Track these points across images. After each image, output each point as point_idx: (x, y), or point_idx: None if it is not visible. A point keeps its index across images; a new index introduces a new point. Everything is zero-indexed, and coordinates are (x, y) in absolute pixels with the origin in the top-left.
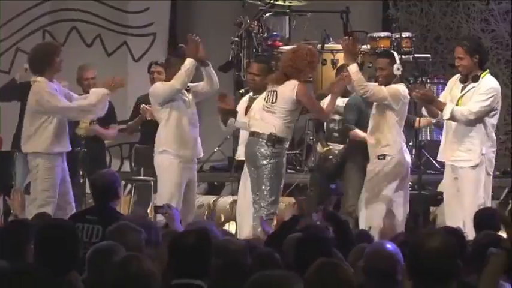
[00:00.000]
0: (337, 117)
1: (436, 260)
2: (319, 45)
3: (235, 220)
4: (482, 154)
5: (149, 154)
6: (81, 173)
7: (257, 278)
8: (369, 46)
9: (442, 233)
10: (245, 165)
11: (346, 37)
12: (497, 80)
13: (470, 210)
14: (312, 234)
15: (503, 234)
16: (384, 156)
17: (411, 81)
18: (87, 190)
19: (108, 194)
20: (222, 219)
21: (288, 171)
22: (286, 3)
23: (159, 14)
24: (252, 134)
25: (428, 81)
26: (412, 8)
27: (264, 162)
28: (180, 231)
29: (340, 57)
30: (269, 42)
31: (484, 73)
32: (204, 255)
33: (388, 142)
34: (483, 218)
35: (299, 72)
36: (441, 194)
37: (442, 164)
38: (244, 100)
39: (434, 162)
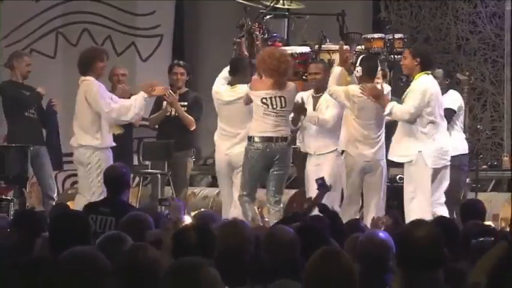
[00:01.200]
0: None
1: (423, 248)
2: (316, 46)
3: None
4: (419, 151)
5: (156, 148)
6: None
7: (174, 264)
8: (363, 47)
9: (429, 223)
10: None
11: (343, 42)
12: (484, 79)
13: (407, 203)
14: (310, 224)
15: (488, 223)
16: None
17: (403, 80)
18: None
19: (119, 185)
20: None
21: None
22: (286, 6)
23: (166, 17)
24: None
25: None
26: (403, 11)
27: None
28: (183, 225)
29: (337, 58)
30: (269, 43)
31: (419, 74)
32: (207, 247)
33: (343, 137)
34: (469, 208)
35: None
36: None
37: None
38: (310, 101)
39: None
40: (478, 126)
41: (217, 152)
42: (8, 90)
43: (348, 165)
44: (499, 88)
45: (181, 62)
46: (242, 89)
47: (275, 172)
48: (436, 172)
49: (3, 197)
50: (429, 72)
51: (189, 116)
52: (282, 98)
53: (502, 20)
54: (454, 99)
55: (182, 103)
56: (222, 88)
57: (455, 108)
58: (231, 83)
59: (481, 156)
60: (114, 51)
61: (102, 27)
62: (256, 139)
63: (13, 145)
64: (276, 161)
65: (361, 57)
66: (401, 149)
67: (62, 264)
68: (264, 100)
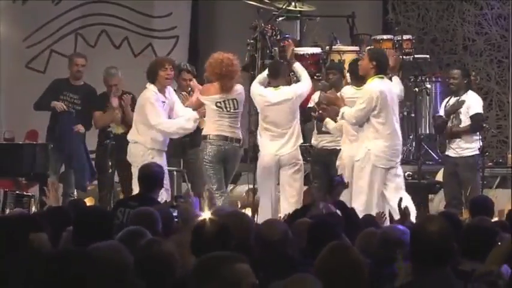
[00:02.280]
0: None
1: (435, 242)
2: (327, 47)
3: (250, 206)
4: (368, 150)
5: (171, 147)
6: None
7: (204, 258)
8: (372, 47)
9: (441, 218)
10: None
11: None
12: (490, 79)
13: (354, 198)
14: (323, 220)
15: (496, 219)
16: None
17: (411, 80)
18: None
19: (152, 184)
20: (239, 205)
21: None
22: (297, 9)
23: (181, 19)
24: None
25: (427, 79)
26: (410, 13)
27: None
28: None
29: (347, 58)
30: (281, 44)
31: (372, 78)
32: (224, 239)
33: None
34: (478, 205)
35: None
36: (439, 182)
37: (440, 156)
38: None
39: (432, 153)
40: (484, 125)
41: (264, 152)
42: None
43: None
44: (504, 88)
45: (189, 67)
46: (285, 90)
47: (226, 170)
48: (385, 171)
49: (25, 193)
50: (383, 76)
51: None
52: (234, 101)
53: (507, 21)
54: (479, 103)
55: None
56: (265, 91)
57: (482, 111)
58: (273, 85)
59: (487, 153)
60: (131, 52)
61: (120, 29)
62: (213, 137)
63: (34, 143)
64: (229, 159)
65: (349, 63)
66: (356, 147)
67: (90, 258)
68: (219, 104)
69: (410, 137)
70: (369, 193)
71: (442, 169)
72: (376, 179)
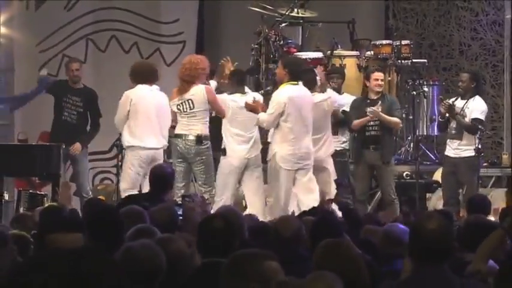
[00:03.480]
0: None
1: (433, 240)
2: (328, 52)
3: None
4: (275, 152)
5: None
6: None
7: (234, 256)
8: (372, 52)
9: (439, 216)
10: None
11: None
12: (485, 82)
13: (268, 196)
14: (325, 219)
15: (491, 218)
16: None
17: (409, 83)
18: None
19: (163, 184)
20: (244, 204)
21: None
22: (300, 15)
23: (188, 24)
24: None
25: (425, 82)
26: (409, 19)
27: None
28: (208, 215)
29: (348, 62)
30: (284, 49)
31: (284, 84)
32: (229, 236)
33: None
34: (475, 203)
35: (196, 78)
36: (436, 182)
37: (437, 156)
38: None
39: (430, 154)
40: (480, 127)
41: (234, 154)
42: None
43: None
44: (499, 91)
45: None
46: (252, 95)
47: (192, 167)
48: (293, 173)
49: (38, 192)
50: (296, 82)
51: None
52: (190, 101)
53: (502, 27)
54: (483, 110)
55: None
56: (234, 96)
57: (483, 118)
58: (241, 92)
59: (482, 154)
60: (140, 57)
61: (129, 34)
62: (173, 137)
63: (47, 144)
64: (186, 155)
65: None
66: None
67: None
68: (178, 106)
69: (409, 138)
70: (278, 192)
71: (440, 169)
72: (283, 180)
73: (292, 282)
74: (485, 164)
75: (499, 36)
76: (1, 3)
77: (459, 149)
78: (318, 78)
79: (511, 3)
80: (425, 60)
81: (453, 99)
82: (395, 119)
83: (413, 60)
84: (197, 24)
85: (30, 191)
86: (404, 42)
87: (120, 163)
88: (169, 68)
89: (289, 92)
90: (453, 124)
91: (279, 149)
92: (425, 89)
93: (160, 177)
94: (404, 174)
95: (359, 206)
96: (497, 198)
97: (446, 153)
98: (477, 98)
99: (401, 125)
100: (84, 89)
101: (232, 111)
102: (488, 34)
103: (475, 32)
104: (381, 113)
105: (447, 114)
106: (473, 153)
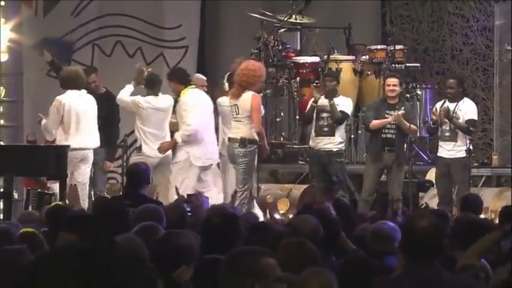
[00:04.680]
0: (325, 114)
1: (424, 237)
2: (325, 56)
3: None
4: (187, 152)
5: None
6: None
7: (233, 252)
8: (367, 57)
9: (430, 214)
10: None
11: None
12: (476, 85)
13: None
14: (322, 218)
15: (482, 216)
16: None
17: (403, 86)
18: None
19: (141, 181)
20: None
21: (299, 162)
22: (298, 21)
23: (190, 30)
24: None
25: (418, 86)
26: (405, 25)
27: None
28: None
29: (344, 67)
30: (283, 54)
31: (184, 91)
32: (229, 233)
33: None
34: (469, 202)
35: (252, 85)
36: (429, 181)
37: (430, 157)
38: None
39: (423, 155)
40: (470, 128)
41: (148, 153)
42: None
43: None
44: (489, 94)
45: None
46: (164, 97)
47: (237, 168)
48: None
49: (46, 191)
50: (193, 86)
51: None
52: (236, 106)
53: (492, 33)
54: (475, 111)
55: None
56: (148, 98)
57: (476, 118)
58: (154, 94)
59: (473, 155)
60: (144, 61)
61: (134, 40)
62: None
63: (55, 145)
64: (230, 158)
65: (227, 74)
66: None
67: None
68: (231, 109)
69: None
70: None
71: (432, 169)
72: (194, 176)
73: (289, 278)
74: (476, 164)
75: (489, 42)
76: (11, 10)
77: (454, 150)
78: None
79: (500, 10)
80: (418, 65)
81: (441, 102)
82: (414, 127)
83: (407, 65)
84: (199, 30)
85: (39, 190)
86: (398, 47)
87: (125, 163)
88: None
89: (192, 98)
90: (446, 127)
91: (190, 149)
92: (419, 92)
93: (136, 174)
94: None
95: (365, 205)
96: (487, 197)
97: (439, 154)
98: (466, 100)
99: (418, 134)
100: (105, 93)
101: (147, 112)
102: (479, 39)
103: (466, 37)
104: (403, 119)
105: (445, 120)
106: (465, 154)
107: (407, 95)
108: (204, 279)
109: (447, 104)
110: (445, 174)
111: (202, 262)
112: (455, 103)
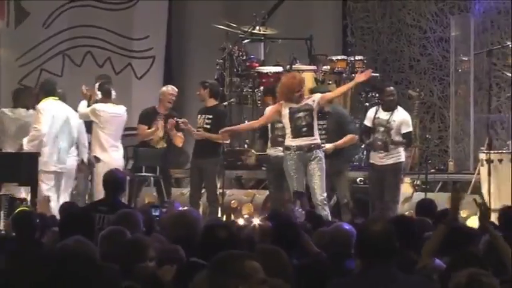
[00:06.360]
0: (280, 125)
1: (377, 241)
2: (288, 66)
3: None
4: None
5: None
6: None
7: (219, 256)
8: (328, 67)
9: (385, 219)
10: None
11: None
12: (433, 94)
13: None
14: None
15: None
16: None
17: (363, 95)
18: None
19: (117, 188)
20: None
21: (262, 168)
22: (262, 32)
23: (158, 41)
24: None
25: (377, 95)
26: (366, 36)
27: None
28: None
29: (306, 76)
30: (247, 64)
31: (43, 100)
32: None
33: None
34: (423, 206)
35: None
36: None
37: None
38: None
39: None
40: (427, 136)
41: (108, 160)
42: None
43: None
44: (445, 103)
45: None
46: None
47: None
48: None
49: (17, 197)
50: (51, 97)
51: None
52: None
53: (448, 44)
54: (410, 121)
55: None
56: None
57: (411, 129)
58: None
59: (430, 161)
60: (113, 71)
61: (103, 50)
62: None
63: (24, 152)
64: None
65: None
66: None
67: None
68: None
69: (362, 146)
70: None
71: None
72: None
73: (272, 281)
74: (432, 171)
75: (446, 52)
76: None
77: (386, 157)
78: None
79: (456, 22)
80: (378, 74)
81: (374, 109)
82: (349, 136)
83: None
84: (166, 41)
85: (10, 195)
86: (358, 57)
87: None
88: (139, 81)
89: (49, 107)
90: (378, 135)
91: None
92: (377, 101)
93: (111, 182)
94: (358, 180)
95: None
96: (443, 202)
97: (372, 161)
98: (400, 109)
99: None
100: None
101: (104, 119)
102: (436, 50)
103: (423, 48)
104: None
105: (379, 128)
106: (399, 160)
107: (367, 104)
108: (184, 281)
109: (380, 113)
110: (377, 180)
111: (185, 264)
112: (390, 112)
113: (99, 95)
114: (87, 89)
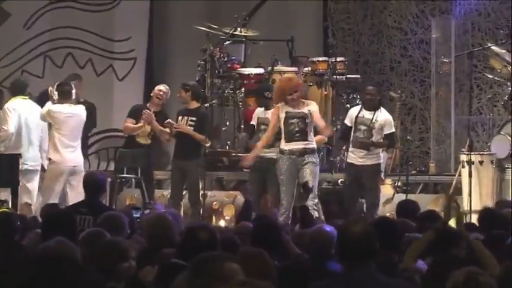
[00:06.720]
0: (263, 127)
1: (357, 242)
2: (269, 68)
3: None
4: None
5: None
6: None
7: (199, 257)
8: (310, 68)
9: (365, 221)
10: None
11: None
12: (414, 96)
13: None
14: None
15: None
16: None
17: (344, 97)
18: None
19: (97, 189)
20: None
21: (244, 170)
22: (243, 34)
23: (139, 42)
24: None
25: (358, 96)
26: (347, 37)
27: None
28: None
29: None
30: (228, 65)
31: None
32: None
33: None
34: (404, 208)
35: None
36: None
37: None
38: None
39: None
40: (408, 137)
41: (61, 161)
42: None
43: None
44: (426, 104)
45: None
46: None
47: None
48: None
49: None
50: (21, 96)
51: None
52: None
53: (429, 45)
54: (392, 122)
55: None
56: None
57: (394, 130)
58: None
59: (411, 163)
60: (94, 72)
61: (84, 52)
62: None
63: (4, 153)
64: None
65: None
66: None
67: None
68: None
69: (344, 147)
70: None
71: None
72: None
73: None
74: (413, 172)
75: (426, 54)
76: None
77: (365, 157)
78: (73, 91)
79: (436, 23)
80: (359, 76)
81: (357, 109)
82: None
83: (348, 76)
84: (147, 42)
85: None
86: (339, 59)
87: None
88: (121, 82)
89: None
90: (359, 134)
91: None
92: (358, 102)
93: (92, 183)
94: (339, 181)
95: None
96: (424, 203)
97: (349, 160)
98: (383, 109)
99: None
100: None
101: (60, 120)
102: (417, 52)
103: (404, 50)
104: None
105: (360, 127)
106: (378, 161)
107: (348, 105)
108: (166, 282)
109: (364, 112)
110: (354, 180)
111: (166, 265)
112: (373, 112)
113: (55, 95)
114: (51, 90)
